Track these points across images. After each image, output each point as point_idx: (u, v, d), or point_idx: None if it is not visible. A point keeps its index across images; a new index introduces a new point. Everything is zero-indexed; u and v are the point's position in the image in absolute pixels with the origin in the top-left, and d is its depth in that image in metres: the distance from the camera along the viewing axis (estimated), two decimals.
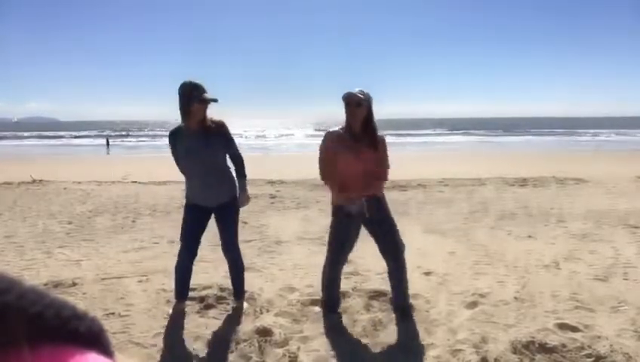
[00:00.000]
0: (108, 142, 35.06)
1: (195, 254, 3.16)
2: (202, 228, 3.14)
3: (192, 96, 2.89)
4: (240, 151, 3.18)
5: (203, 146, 2.96)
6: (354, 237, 3.04)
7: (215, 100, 2.95)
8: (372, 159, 2.92)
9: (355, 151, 2.87)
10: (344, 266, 3.23)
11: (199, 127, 2.97)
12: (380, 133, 2.97)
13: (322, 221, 6.02)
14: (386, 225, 3.02)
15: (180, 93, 2.92)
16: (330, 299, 3.22)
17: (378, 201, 2.98)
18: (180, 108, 2.95)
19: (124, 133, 62.73)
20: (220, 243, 3.22)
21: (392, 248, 3.04)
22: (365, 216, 2.93)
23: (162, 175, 9.95)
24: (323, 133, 3.05)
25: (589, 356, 2.57)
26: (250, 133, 55.53)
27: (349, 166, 2.88)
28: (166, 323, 3.08)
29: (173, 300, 3.29)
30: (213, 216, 3.15)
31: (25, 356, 0.27)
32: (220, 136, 3.03)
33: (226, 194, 3.10)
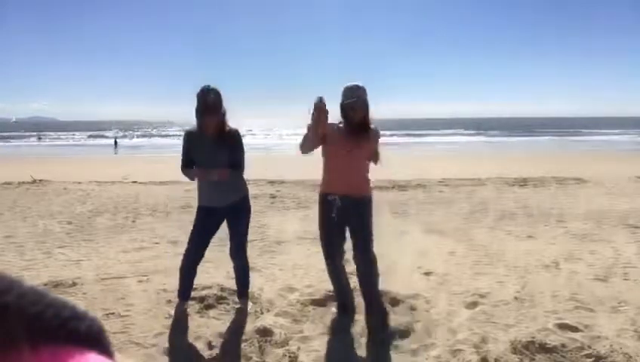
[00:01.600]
0: (116, 142, 35.06)
1: (201, 257, 3.14)
2: (212, 232, 3.12)
3: (197, 110, 2.90)
4: (243, 164, 3.07)
5: (216, 153, 2.96)
6: (336, 228, 3.04)
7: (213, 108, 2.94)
8: (362, 154, 2.93)
9: (347, 145, 2.89)
10: (347, 265, 3.22)
11: (215, 133, 2.96)
12: (375, 127, 2.97)
13: None
14: (362, 232, 2.98)
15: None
16: (340, 297, 3.21)
17: (357, 203, 2.95)
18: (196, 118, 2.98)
19: (127, 133, 62.86)
20: (223, 243, 3.21)
21: (363, 258, 2.99)
22: (337, 208, 2.94)
23: (163, 175, 9.96)
24: None
25: (589, 356, 2.57)
26: (251, 133, 55.48)
27: (338, 159, 2.92)
28: (166, 323, 3.08)
29: (174, 300, 3.29)
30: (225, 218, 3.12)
31: (25, 356, 0.27)
32: (231, 145, 3.02)
33: (237, 193, 3.08)
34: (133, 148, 33.86)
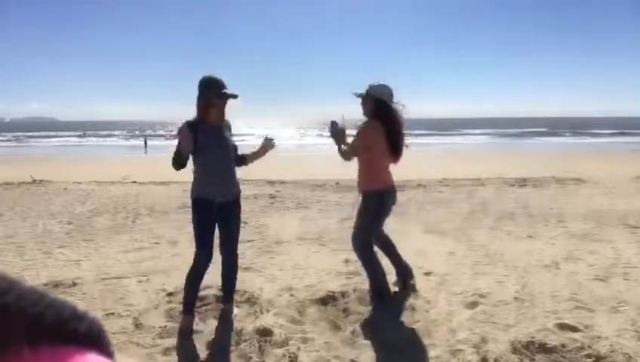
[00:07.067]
0: (146, 141, 35.46)
1: (212, 255, 2.96)
2: (215, 224, 2.97)
3: (212, 91, 2.83)
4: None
5: (224, 141, 2.93)
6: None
7: (234, 96, 2.92)
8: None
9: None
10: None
11: (219, 122, 2.92)
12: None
13: (322, 221, 6.02)
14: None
15: (200, 88, 2.83)
16: (382, 283, 3.39)
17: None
18: (200, 102, 2.84)
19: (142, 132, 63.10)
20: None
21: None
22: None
23: (163, 175, 9.95)
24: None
25: (589, 356, 2.57)
26: (251, 133, 55.42)
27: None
28: (166, 323, 3.08)
29: (173, 300, 3.29)
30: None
31: (25, 356, 0.27)
32: (229, 134, 3.04)
33: (236, 191, 3.04)
34: (160, 148, 33.33)
